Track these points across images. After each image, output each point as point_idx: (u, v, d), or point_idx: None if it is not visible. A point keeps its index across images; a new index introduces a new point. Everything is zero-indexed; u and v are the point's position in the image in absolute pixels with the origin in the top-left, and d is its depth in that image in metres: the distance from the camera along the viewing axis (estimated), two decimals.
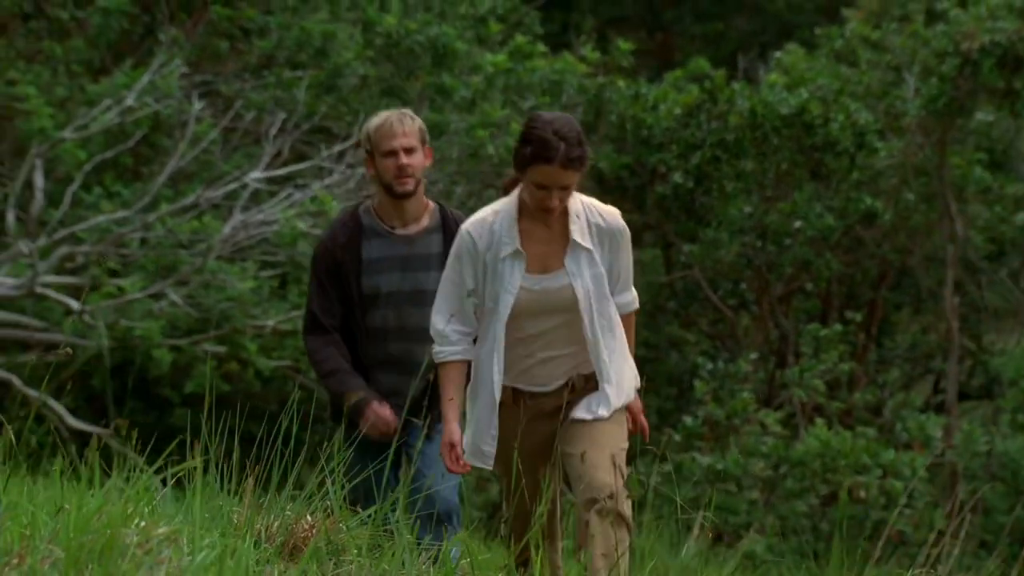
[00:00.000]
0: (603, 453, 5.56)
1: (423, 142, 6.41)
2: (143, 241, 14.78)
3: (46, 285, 14.19)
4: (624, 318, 5.85)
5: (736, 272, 17.36)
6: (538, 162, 5.39)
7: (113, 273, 14.70)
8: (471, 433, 5.77)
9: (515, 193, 5.62)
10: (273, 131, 15.49)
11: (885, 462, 13.72)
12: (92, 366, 14.41)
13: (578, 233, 5.59)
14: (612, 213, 5.72)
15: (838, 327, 15.62)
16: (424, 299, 6.28)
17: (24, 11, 16.44)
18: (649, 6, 37.15)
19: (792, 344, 16.66)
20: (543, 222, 5.60)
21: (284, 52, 16.63)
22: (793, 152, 16.63)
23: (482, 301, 5.67)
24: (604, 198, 17.01)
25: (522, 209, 5.62)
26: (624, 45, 18.03)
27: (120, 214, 14.69)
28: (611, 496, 5.46)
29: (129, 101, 15.28)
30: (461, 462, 5.65)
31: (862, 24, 18.79)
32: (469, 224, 5.65)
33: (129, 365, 14.31)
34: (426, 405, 6.32)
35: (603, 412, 5.66)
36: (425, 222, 6.49)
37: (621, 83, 17.08)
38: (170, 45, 16.13)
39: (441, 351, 5.73)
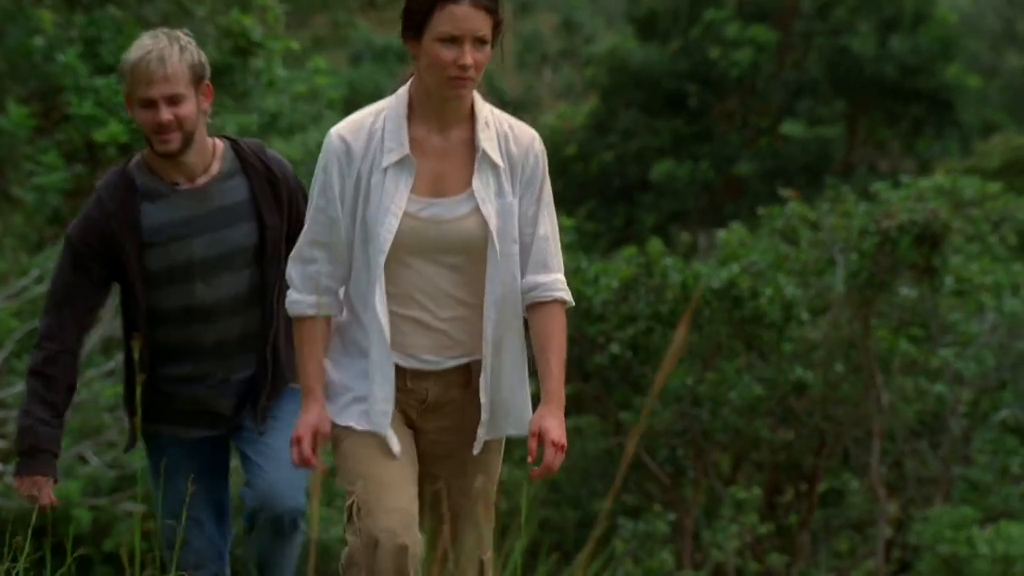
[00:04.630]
0: (477, 508, 4.52)
1: (197, 81, 4.93)
2: None
3: None
4: (543, 313, 4.39)
5: (672, 439, 18.05)
6: (442, 3, 4.19)
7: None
8: (350, 398, 4.39)
9: (403, 89, 4.34)
10: None
11: None
12: (15, 527, 14.96)
13: (488, 143, 4.31)
14: (527, 130, 4.42)
15: (757, 491, 16.28)
16: (234, 265, 5.04)
17: None
18: (712, 200, 38.37)
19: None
20: (441, 125, 4.32)
21: None
22: (725, 324, 17.43)
23: (349, 234, 4.32)
24: None
25: (413, 109, 4.32)
26: (567, 221, 18.95)
27: None
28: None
29: None
30: (313, 456, 4.34)
31: (801, 204, 19.69)
32: (340, 126, 4.35)
33: (51, 524, 14.87)
34: (264, 384, 5.10)
35: (481, 436, 4.44)
36: (216, 168, 5.04)
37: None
38: None
39: (299, 301, 4.39)
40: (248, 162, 5.04)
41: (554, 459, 4.29)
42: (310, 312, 4.35)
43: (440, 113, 4.30)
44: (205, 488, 5.16)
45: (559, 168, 40.12)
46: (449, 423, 4.46)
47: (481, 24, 4.19)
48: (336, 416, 4.37)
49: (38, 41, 13.24)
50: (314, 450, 4.32)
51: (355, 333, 4.39)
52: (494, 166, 4.29)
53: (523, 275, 4.35)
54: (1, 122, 13.14)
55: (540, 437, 4.30)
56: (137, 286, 5.01)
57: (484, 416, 4.40)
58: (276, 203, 5.07)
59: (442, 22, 4.18)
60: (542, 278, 4.35)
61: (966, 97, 41.15)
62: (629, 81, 39.60)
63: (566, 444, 4.34)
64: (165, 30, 5.00)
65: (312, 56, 18.71)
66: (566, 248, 19.52)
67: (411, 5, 4.24)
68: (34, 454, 5.05)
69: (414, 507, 4.31)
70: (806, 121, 39.99)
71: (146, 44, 4.89)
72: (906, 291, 18.07)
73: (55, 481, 5.10)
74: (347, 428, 4.37)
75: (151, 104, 4.87)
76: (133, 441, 5.15)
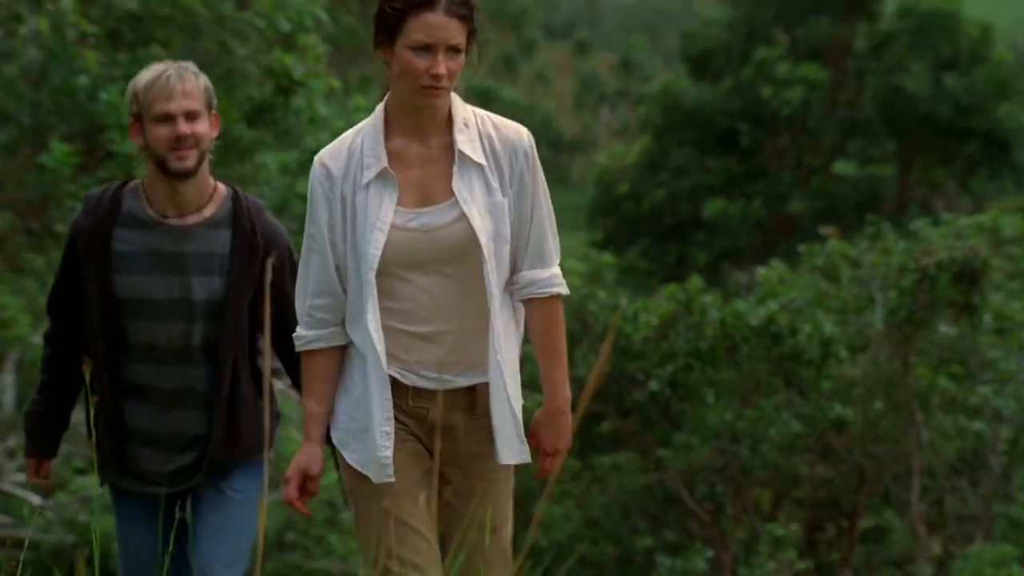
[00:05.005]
0: (499, 543, 4.32)
1: (209, 106, 4.93)
2: None
3: (14, 483, 15.04)
4: (544, 309, 4.29)
5: (711, 475, 18.10)
6: (415, 11, 4.10)
7: (81, 472, 15.59)
8: (349, 438, 4.29)
9: (379, 107, 4.28)
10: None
11: None
12: (56, 561, 15.15)
13: (467, 144, 4.22)
14: (512, 125, 4.34)
15: (795, 527, 16.30)
16: (197, 313, 4.92)
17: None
18: (764, 238, 38.54)
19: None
20: (420, 134, 4.23)
21: None
22: (763, 361, 17.48)
23: (342, 259, 4.24)
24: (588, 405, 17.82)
25: (390, 122, 4.25)
26: (608, 259, 19.08)
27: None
28: None
29: None
30: (298, 500, 4.31)
31: (841, 242, 19.73)
32: (322, 152, 4.28)
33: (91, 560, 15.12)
34: (213, 444, 4.95)
35: (507, 460, 4.28)
36: (209, 212, 4.96)
37: (602, 294, 18.09)
38: None
39: (302, 335, 4.32)
40: (240, 219, 4.94)
41: (551, 466, 4.30)
42: (313, 346, 4.28)
43: (417, 122, 4.21)
44: (162, 544, 5.08)
45: (611, 206, 40.32)
46: (447, 447, 4.31)
47: (455, 32, 4.11)
48: (340, 446, 4.29)
49: (82, 80, 13.45)
50: (303, 492, 4.29)
51: (353, 357, 4.29)
52: (477, 165, 4.21)
53: (520, 269, 4.26)
54: (45, 160, 13.35)
55: (535, 443, 4.30)
56: (95, 309, 4.91)
57: (496, 432, 4.26)
58: (251, 268, 4.95)
59: (415, 30, 4.10)
60: (540, 273, 4.25)
61: (1021, 136, 41.04)
62: (681, 119, 39.80)
63: (568, 444, 4.32)
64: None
65: (355, 94, 18.95)
66: (608, 285, 19.75)
67: (383, 11, 4.15)
68: (30, 435, 5.16)
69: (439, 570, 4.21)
70: (858, 160, 40.00)
71: (160, 66, 4.92)
72: (945, 328, 18.05)
73: (52, 455, 5.19)
74: (359, 475, 4.25)
75: (169, 119, 4.84)
76: (102, 482, 5.10)
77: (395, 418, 4.21)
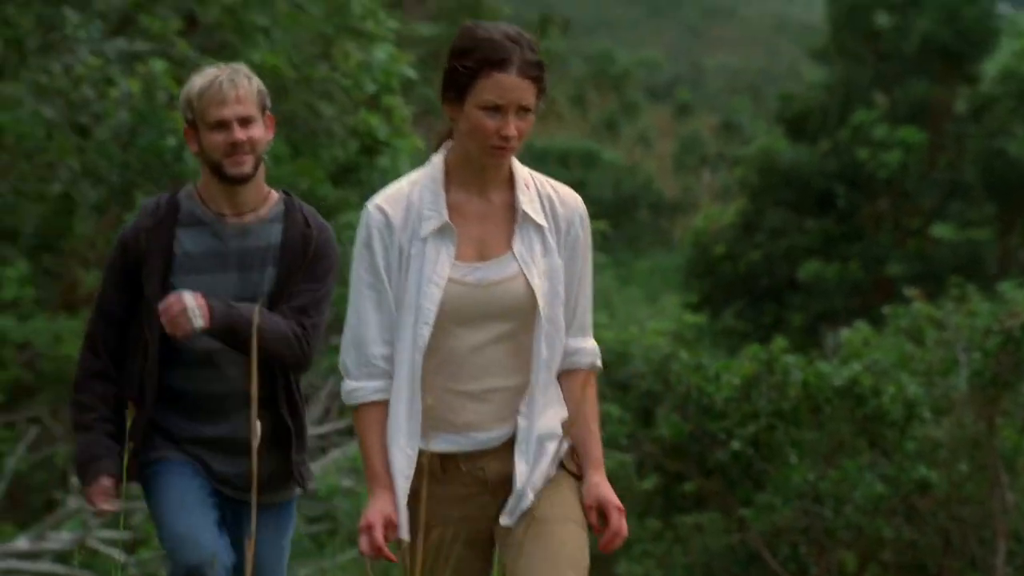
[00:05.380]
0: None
1: (263, 108, 4.93)
2: None
3: (99, 539, 15.33)
4: (583, 378, 4.27)
5: (795, 537, 18.04)
6: (487, 71, 4.02)
7: None
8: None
9: (438, 156, 4.23)
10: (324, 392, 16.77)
11: None
12: None
13: (528, 203, 4.19)
14: (569, 191, 4.30)
15: None
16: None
17: None
18: (862, 300, 38.46)
19: None
20: (481, 189, 4.19)
21: None
22: (847, 422, 17.45)
23: (395, 309, 4.13)
24: (668, 462, 17.90)
25: (450, 174, 4.20)
26: (689, 318, 19.15)
27: None
28: None
29: None
30: (384, 547, 4.11)
31: (925, 304, 19.68)
32: (378, 197, 4.21)
33: None
34: (289, 440, 4.93)
35: (571, 512, 4.16)
36: (264, 211, 4.98)
37: (684, 354, 18.15)
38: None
39: (357, 388, 4.16)
40: (292, 213, 4.95)
41: (621, 524, 4.13)
42: (371, 399, 4.13)
43: (479, 177, 4.17)
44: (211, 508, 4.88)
45: (707, 268, 40.32)
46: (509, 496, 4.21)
47: (526, 93, 4.05)
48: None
49: (170, 141, 13.81)
50: (386, 540, 4.10)
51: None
52: (537, 227, 4.17)
53: (567, 330, 4.23)
54: (129, 218, 13.74)
55: (600, 507, 4.14)
56: (150, 313, 4.80)
57: (518, 484, 4.15)
58: (302, 258, 4.92)
59: (486, 90, 4.03)
60: (583, 343, 4.25)
61: None
62: (778, 181, 39.79)
63: (620, 510, 4.18)
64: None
65: None
66: (691, 344, 19.80)
67: (454, 69, 4.07)
68: (86, 464, 4.91)
69: None
70: (957, 223, 39.78)
71: (212, 71, 4.91)
72: None
73: (115, 477, 4.90)
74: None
75: (224, 125, 4.82)
76: (130, 476, 4.91)
77: (440, 512, 4.12)
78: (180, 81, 14.45)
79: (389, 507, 4.08)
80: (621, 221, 69.35)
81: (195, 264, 4.87)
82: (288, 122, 15.42)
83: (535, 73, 4.05)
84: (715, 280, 38.06)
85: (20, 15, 14.08)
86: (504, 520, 4.13)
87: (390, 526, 4.10)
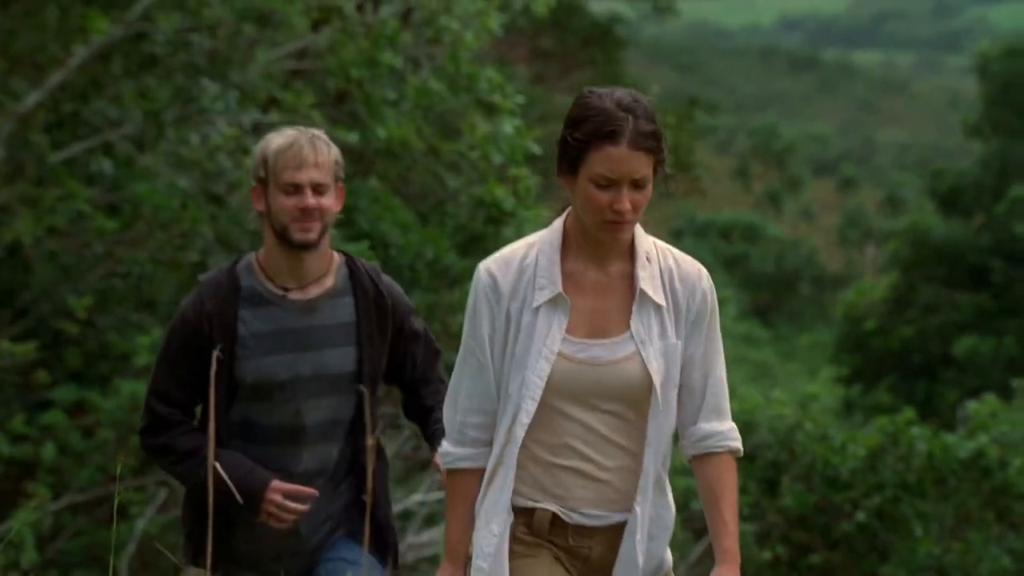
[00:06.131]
0: None
1: (336, 178, 4.71)
2: None
3: None
4: (718, 464, 4.03)
5: None
6: (598, 144, 3.85)
7: None
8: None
9: (557, 222, 4.04)
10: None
11: None
12: None
13: (648, 281, 3.99)
14: (693, 263, 4.09)
15: None
16: (329, 388, 4.70)
17: None
18: (1017, 375, 38.21)
19: None
20: (599, 260, 4.00)
21: None
22: (973, 495, 17.42)
23: (499, 377, 3.99)
24: (792, 533, 17.92)
25: (568, 242, 4.01)
26: (813, 388, 19.22)
27: None
28: None
29: None
30: None
31: None
32: (490, 260, 4.05)
33: None
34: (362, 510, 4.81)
35: None
36: (329, 282, 4.73)
37: (809, 425, 18.23)
38: None
39: (450, 452, 4.07)
40: (360, 283, 4.72)
41: None
42: (460, 465, 4.04)
43: (597, 249, 3.98)
44: None
45: (858, 342, 40.11)
46: None
47: (640, 166, 3.86)
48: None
49: None
50: None
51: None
52: (656, 306, 3.96)
53: (696, 421, 4.02)
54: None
55: None
56: (223, 399, 4.63)
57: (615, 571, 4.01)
58: (380, 331, 4.75)
59: (597, 163, 3.84)
60: (717, 426, 4.02)
61: None
62: (930, 255, 39.56)
63: None
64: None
65: None
66: (822, 413, 19.82)
67: (565, 141, 3.90)
68: (245, 480, 4.63)
69: None
70: None
71: (292, 132, 4.71)
72: None
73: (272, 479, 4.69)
74: None
75: (297, 190, 4.62)
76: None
77: (556, 557, 4.02)
78: None
79: None
80: (783, 295, 69.09)
81: (261, 345, 4.66)
82: (417, 194, 15.81)
83: (649, 144, 3.86)
84: (866, 354, 37.90)
85: (159, 88, 14.61)
86: None
87: None
